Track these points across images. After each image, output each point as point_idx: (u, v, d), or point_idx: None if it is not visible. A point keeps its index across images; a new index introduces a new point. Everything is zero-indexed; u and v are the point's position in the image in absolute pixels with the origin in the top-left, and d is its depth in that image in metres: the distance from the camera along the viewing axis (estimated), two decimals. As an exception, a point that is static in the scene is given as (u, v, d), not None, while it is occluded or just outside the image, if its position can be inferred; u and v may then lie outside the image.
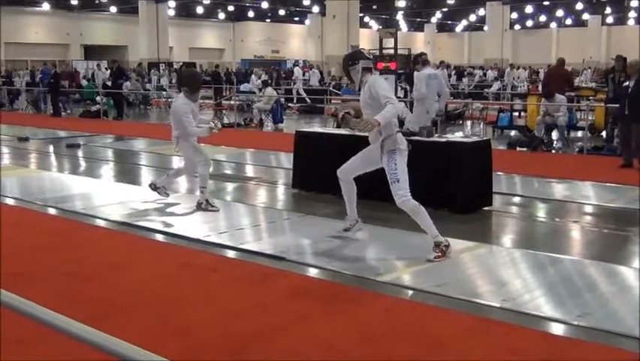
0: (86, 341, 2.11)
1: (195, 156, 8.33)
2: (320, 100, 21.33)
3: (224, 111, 21.65)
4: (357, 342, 4.25)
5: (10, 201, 8.98)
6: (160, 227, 7.30)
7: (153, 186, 8.65)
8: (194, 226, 7.37)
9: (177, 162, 10.92)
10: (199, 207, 8.18)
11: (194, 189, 9.83)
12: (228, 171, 11.83)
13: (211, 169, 8.79)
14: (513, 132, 16.52)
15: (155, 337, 4.27)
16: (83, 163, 13.20)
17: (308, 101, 25.46)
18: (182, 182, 9.94)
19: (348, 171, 6.57)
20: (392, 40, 8.54)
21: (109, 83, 23.52)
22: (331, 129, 10.72)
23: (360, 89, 6.33)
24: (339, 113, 6.48)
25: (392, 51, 8.29)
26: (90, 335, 2.12)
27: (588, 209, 8.52)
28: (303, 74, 34.41)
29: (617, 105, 12.10)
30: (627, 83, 11.64)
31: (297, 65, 35.94)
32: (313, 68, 35.62)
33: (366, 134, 6.30)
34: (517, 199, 9.12)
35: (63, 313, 2.32)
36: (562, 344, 4.31)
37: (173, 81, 32.00)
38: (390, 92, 6.15)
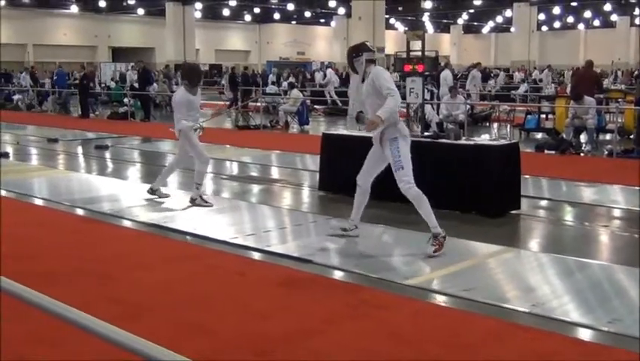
0: (113, 341, 2.13)
1: (193, 152, 8.53)
2: (345, 102, 21.30)
3: (250, 113, 21.72)
4: (386, 346, 4.23)
5: (39, 202, 9.09)
6: (186, 228, 7.33)
7: (151, 190, 8.88)
8: (221, 228, 7.39)
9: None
10: (193, 202, 8.41)
11: (219, 191, 9.90)
12: (255, 173, 11.86)
13: (210, 168, 9.06)
14: (540, 135, 16.38)
15: (182, 337, 4.29)
16: (110, 164, 13.31)
17: (339, 103, 25.42)
18: (206, 185, 9.95)
19: (365, 175, 6.65)
20: (419, 42, 8.47)
21: (136, 85, 23.66)
22: (357, 131, 10.69)
23: (363, 81, 6.44)
24: (354, 112, 6.59)
25: (419, 53, 8.25)
26: (117, 335, 2.14)
27: (618, 213, 8.41)
28: (324, 76, 34.07)
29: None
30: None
31: (330, 67, 35.74)
32: (330, 69, 35.62)
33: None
34: (545, 203, 9.02)
35: (91, 313, 2.34)
36: (591, 350, 4.26)
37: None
38: (392, 83, 6.28)
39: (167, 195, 8.93)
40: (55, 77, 28.18)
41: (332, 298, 5.12)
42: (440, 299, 5.16)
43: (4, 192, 9.57)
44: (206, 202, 8.43)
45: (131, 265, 6.02)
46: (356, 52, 6.48)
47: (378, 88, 6.17)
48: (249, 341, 4.29)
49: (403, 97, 7.54)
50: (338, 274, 5.80)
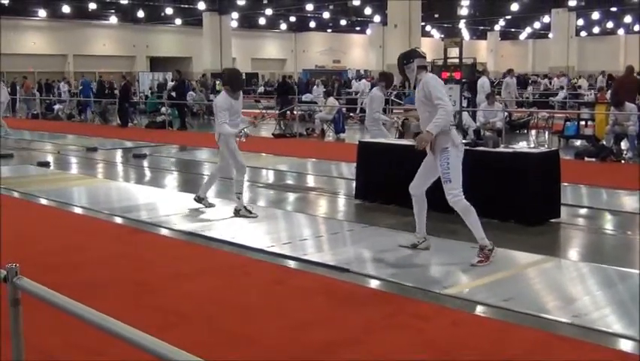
0: (154, 353, 2.15)
1: (231, 159, 8.49)
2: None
3: (287, 121, 21.82)
4: (425, 356, 4.19)
5: (78, 210, 9.20)
6: (224, 237, 7.36)
7: (197, 198, 8.88)
8: (258, 237, 7.40)
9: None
10: (237, 213, 8.36)
11: (256, 200, 9.91)
12: (291, 181, 11.88)
13: (247, 176, 8.92)
14: (579, 142, 16.15)
15: (223, 347, 4.31)
16: (148, 173, 13.46)
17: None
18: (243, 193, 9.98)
19: (418, 185, 6.51)
20: (456, 49, 8.43)
21: (173, 94, 23.92)
22: (393, 140, 10.65)
23: (415, 87, 6.36)
24: (400, 120, 6.52)
25: (457, 60, 8.21)
26: (157, 346, 2.15)
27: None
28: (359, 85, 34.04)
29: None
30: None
31: (364, 78, 35.65)
32: (362, 79, 35.51)
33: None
34: (585, 211, 8.88)
35: (132, 322, 2.38)
36: (636, 363, 4.16)
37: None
38: (443, 92, 6.14)
39: (212, 205, 8.90)
40: (80, 87, 28.56)
41: (370, 308, 5.09)
42: (479, 309, 5.10)
43: (45, 201, 9.73)
44: (251, 213, 8.36)
45: (170, 273, 6.06)
46: (407, 58, 6.33)
47: (429, 96, 6.05)
48: (290, 350, 4.30)
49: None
50: (375, 284, 5.77)
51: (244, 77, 46.34)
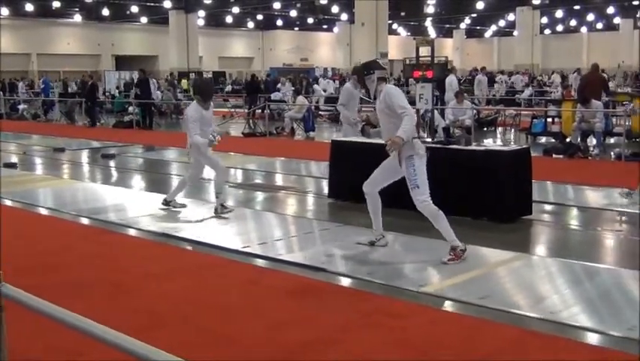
0: (135, 354, 2.16)
1: (210, 166, 8.62)
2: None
3: (256, 120, 21.73)
4: (402, 355, 4.19)
5: (46, 212, 9.07)
6: (197, 238, 7.30)
7: (165, 202, 8.88)
8: (232, 237, 7.37)
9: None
10: (216, 212, 8.43)
11: (229, 200, 9.84)
12: (263, 181, 11.84)
13: (204, 172, 9.05)
14: (544, 139, 16.35)
15: (201, 347, 4.29)
16: (117, 173, 13.31)
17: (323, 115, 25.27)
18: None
19: (373, 184, 6.63)
20: (428, 48, 8.47)
21: (138, 91, 23.72)
22: (364, 138, 10.65)
23: (375, 98, 6.46)
24: (359, 124, 6.58)
25: (428, 59, 8.25)
26: (137, 347, 2.17)
27: (629, 217, 8.36)
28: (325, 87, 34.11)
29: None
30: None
31: (324, 77, 35.82)
32: (327, 79, 35.67)
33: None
34: (556, 208, 8.99)
35: (112, 324, 2.39)
36: (609, 357, 4.20)
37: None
38: (405, 101, 6.25)
39: (183, 205, 8.88)
40: (42, 86, 28.18)
41: (346, 307, 5.09)
42: (455, 307, 5.12)
43: (11, 203, 9.55)
44: (226, 208, 8.46)
45: (146, 274, 6.01)
46: (367, 70, 6.47)
47: (391, 107, 6.16)
48: (268, 350, 4.29)
49: (412, 102, 7.51)
50: (351, 283, 5.77)
51: (210, 77, 46.35)
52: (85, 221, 8.45)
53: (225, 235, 7.48)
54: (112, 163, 14.33)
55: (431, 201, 6.15)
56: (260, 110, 23.27)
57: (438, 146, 8.29)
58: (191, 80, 33.70)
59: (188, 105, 9.01)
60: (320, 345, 4.36)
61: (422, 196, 6.14)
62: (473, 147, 8.21)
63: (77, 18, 47.92)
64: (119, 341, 2.24)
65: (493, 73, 36.54)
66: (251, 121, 22.48)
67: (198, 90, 8.87)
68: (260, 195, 10.35)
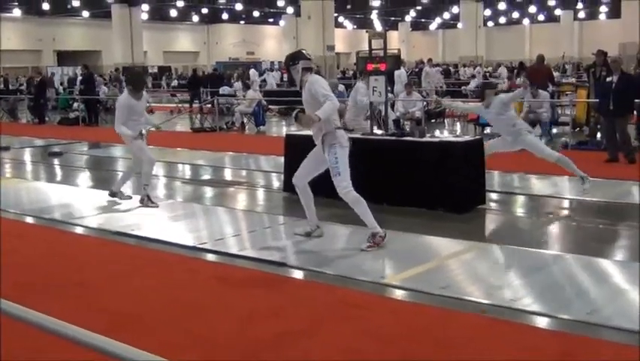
0: (108, 353, 2.12)
1: (139, 154, 8.70)
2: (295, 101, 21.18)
3: (204, 115, 21.51)
4: (373, 346, 4.23)
5: (10, 215, 8.83)
6: (153, 235, 7.21)
7: (111, 193, 9.01)
8: (190, 233, 7.30)
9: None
10: (141, 202, 8.57)
11: (186, 196, 9.76)
12: (216, 176, 11.74)
13: (155, 168, 9.15)
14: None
15: (172, 345, 4.25)
16: (65, 171, 13.02)
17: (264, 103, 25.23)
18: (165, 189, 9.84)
19: (302, 176, 6.72)
20: (380, 41, 8.53)
21: (82, 87, 23.31)
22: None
23: (301, 88, 6.51)
24: (294, 112, 6.63)
25: (381, 52, 8.30)
26: (111, 346, 2.13)
27: (579, 204, 8.57)
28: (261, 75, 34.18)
29: (598, 100, 12.22)
30: (610, 78, 11.72)
31: (272, 70, 35.80)
32: (268, 71, 35.69)
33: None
34: (508, 197, 9.17)
35: (81, 324, 2.34)
36: (573, 342, 4.31)
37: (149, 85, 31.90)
38: (329, 90, 6.35)
39: (129, 197, 8.97)
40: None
41: (312, 300, 5.11)
42: (417, 297, 5.17)
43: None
44: (153, 202, 8.56)
45: (107, 273, 5.93)
46: (293, 60, 6.55)
47: (315, 95, 6.22)
48: (241, 345, 4.29)
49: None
50: (314, 276, 5.77)
51: (156, 72, 45.72)
52: (28, 220, 8.30)
53: (183, 231, 7.42)
54: (58, 161, 14.02)
55: (352, 188, 6.27)
56: (209, 105, 23.04)
57: (392, 138, 8.38)
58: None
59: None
60: (293, 337, 4.38)
61: (343, 183, 6.27)
62: (427, 138, 8.29)
63: (16, 12, 46.65)
64: (89, 340, 2.21)
65: (440, 64, 36.94)
66: (199, 116, 22.25)
67: (130, 80, 9.16)
68: (216, 191, 10.25)
